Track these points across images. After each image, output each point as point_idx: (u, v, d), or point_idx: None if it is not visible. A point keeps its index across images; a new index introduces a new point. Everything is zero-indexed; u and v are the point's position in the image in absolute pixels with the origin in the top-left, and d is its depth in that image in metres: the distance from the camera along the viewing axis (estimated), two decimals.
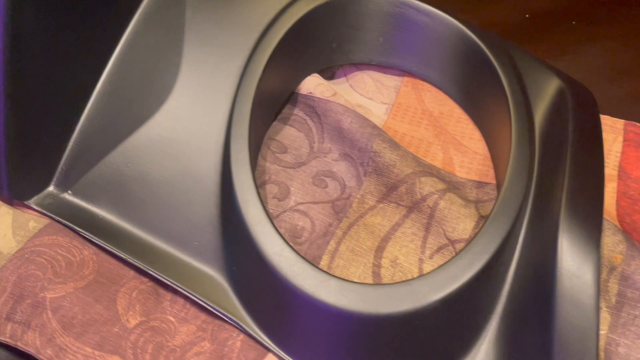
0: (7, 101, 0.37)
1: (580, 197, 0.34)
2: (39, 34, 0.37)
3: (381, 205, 0.42)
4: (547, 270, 0.32)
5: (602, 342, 0.37)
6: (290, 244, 0.37)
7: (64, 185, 0.41)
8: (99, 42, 0.42)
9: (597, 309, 0.30)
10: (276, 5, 0.44)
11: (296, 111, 0.46)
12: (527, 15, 0.58)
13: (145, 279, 0.38)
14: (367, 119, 0.45)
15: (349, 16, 0.46)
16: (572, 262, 0.31)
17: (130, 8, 0.43)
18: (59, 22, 0.38)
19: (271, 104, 0.45)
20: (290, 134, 0.45)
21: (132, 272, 0.38)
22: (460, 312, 0.34)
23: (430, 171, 0.43)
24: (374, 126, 0.44)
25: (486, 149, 0.45)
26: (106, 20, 0.42)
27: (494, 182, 0.43)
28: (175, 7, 0.44)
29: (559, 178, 0.36)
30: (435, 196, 0.41)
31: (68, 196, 0.41)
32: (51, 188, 0.41)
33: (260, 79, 0.41)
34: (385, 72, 0.50)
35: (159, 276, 0.37)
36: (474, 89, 0.46)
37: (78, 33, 0.40)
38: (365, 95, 0.49)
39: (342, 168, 0.44)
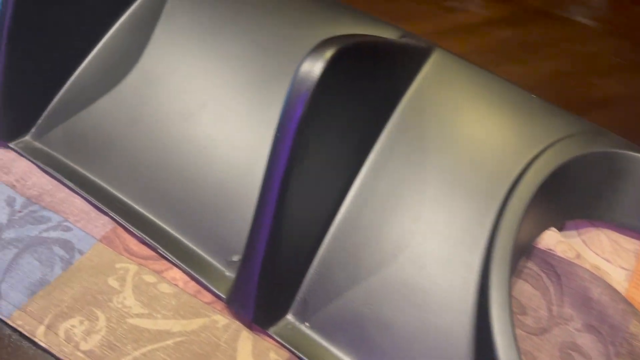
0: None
1: None
2: None
3: None
4: None
5: None
6: None
7: (301, 316, 0.40)
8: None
9: None
10: (527, 153, 0.43)
11: (530, 264, 0.44)
12: None
13: None
14: (618, 292, 0.41)
15: (603, 173, 0.44)
16: None
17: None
18: None
19: (515, 259, 0.43)
20: (526, 290, 0.43)
21: None
22: None
23: None
24: (627, 302, 0.41)
25: None
26: None
27: None
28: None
29: None
30: None
31: (305, 328, 0.40)
32: (289, 316, 0.40)
33: (516, 235, 0.39)
34: (622, 233, 0.47)
35: None
36: None
37: None
38: (601, 256, 0.46)
39: (587, 342, 0.41)
